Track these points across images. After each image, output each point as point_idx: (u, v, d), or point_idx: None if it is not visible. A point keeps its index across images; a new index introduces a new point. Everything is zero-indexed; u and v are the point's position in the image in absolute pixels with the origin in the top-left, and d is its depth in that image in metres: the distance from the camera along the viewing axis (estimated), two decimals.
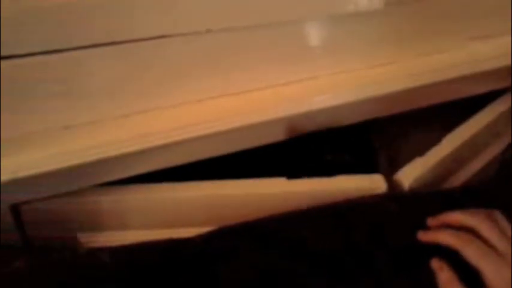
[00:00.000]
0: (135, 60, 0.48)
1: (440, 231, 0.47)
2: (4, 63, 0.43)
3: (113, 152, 0.48)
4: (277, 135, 0.57)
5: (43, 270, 0.46)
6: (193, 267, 0.47)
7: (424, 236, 0.48)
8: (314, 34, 0.55)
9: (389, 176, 0.57)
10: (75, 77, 0.47)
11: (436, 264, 0.46)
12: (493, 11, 0.64)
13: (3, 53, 0.43)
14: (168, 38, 0.48)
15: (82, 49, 0.46)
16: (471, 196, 0.57)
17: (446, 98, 0.64)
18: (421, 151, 0.59)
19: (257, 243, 0.49)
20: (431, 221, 0.50)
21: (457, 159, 0.62)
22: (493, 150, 0.67)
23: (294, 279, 0.47)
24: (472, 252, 0.44)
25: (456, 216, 0.48)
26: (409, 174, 0.57)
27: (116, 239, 0.52)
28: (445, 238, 0.46)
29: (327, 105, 0.56)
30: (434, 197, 0.56)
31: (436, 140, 0.61)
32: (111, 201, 0.51)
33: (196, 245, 0.49)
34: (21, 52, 0.43)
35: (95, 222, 0.52)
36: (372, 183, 0.55)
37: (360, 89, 0.58)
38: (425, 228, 0.50)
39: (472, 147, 0.63)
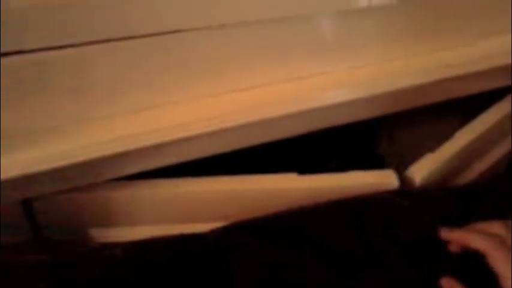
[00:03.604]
0: (147, 56, 0.48)
1: (467, 233, 0.46)
2: (11, 58, 0.43)
3: (124, 147, 0.48)
4: (290, 130, 0.56)
5: (55, 265, 0.46)
6: (205, 262, 0.47)
7: (448, 235, 0.47)
8: (327, 29, 0.55)
9: (400, 172, 0.56)
10: (85, 72, 0.47)
11: (446, 284, 0.45)
12: (504, 8, 0.64)
13: (9, 49, 0.42)
14: (181, 33, 0.48)
15: (93, 44, 0.45)
16: (482, 193, 0.57)
17: (458, 94, 0.63)
18: (432, 147, 0.59)
19: (269, 239, 0.49)
20: (445, 235, 0.48)
21: (468, 156, 0.62)
22: (504, 147, 0.66)
23: (306, 275, 0.47)
24: (500, 258, 0.44)
25: (472, 241, 0.46)
26: (421, 170, 0.56)
27: (127, 234, 0.51)
28: (474, 240, 0.45)
29: (339, 100, 0.56)
30: (446, 194, 0.56)
31: (448, 136, 0.61)
32: (123, 196, 0.51)
33: (208, 240, 0.49)
34: (28, 48, 0.43)
35: (107, 217, 0.52)
36: (384, 179, 0.55)
37: (370, 84, 0.58)
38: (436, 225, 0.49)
39: (483, 144, 0.63)
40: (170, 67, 0.50)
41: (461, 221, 0.50)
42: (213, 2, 0.47)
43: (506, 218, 0.51)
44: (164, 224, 0.53)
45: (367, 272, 0.47)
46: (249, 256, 0.47)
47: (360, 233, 0.50)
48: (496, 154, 0.66)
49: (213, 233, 0.49)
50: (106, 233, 0.52)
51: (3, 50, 0.42)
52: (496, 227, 0.47)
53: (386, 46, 0.61)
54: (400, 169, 0.57)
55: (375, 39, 0.59)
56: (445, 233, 0.48)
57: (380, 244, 0.49)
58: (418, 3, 0.58)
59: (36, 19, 0.42)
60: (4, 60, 0.42)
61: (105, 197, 0.50)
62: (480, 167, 0.64)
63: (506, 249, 0.44)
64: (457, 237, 0.47)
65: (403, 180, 0.56)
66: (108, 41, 0.46)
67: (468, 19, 0.63)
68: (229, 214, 0.52)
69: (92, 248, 0.49)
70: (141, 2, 0.45)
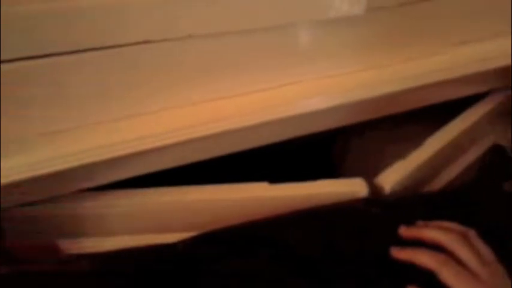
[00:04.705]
0: (120, 66, 0.48)
1: (415, 251, 0.47)
2: None
3: (95, 157, 0.48)
4: (264, 139, 0.57)
5: (23, 277, 0.46)
6: (175, 273, 0.47)
7: (398, 254, 0.48)
8: (299, 39, 0.55)
9: (370, 180, 0.57)
10: (61, 82, 0.47)
11: None
12: (476, 17, 0.65)
13: None
14: (152, 44, 0.48)
15: (68, 54, 0.45)
16: (451, 199, 0.57)
17: (430, 101, 0.64)
18: (402, 154, 0.60)
19: (240, 249, 0.49)
20: (405, 232, 0.50)
21: (438, 163, 0.63)
22: (473, 154, 0.67)
23: (277, 285, 0.47)
24: (448, 275, 0.44)
25: (430, 234, 0.48)
26: (390, 178, 0.57)
27: (97, 245, 0.51)
28: (421, 259, 0.46)
29: (314, 109, 0.57)
30: (415, 201, 0.57)
31: (418, 143, 0.61)
32: (92, 207, 0.50)
33: (178, 250, 0.49)
34: (6, 58, 0.43)
35: (76, 229, 0.51)
36: (353, 187, 0.56)
37: (345, 92, 0.58)
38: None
39: (452, 151, 0.64)
40: (141, 77, 0.50)
41: None
42: (181, 12, 0.47)
43: (477, 225, 0.52)
44: (134, 234, 0.53)
45: (338, 282, 0.48)
46: (219, 267, 0.47)
47: (329, 242, 0.50)
48: (466, 161, 0.67)
49: (183, 243, 0.49)
50: (75, 244, 0.51)
51: None
52: (444, 238, 0.47)
53: (360, 55, 0.61)
54: (370, 177, 0.58)
55: (349, 49, 0.60)
56: (395, 252, 0.48)
57: (349, 253, 0.50)
58: (386, 14, 0.58)
59: (11, 30, 0.42)
60: None
61: (74, 207, 0.50)
62: (450, 173, 0.65)
63: (455, 264, 0.45)
64: (405, 257, 0.47)
65: (373, 188, 0.56)
66: (80, 51, 0.46)
67: (439, 28, 0.64)
68: (199, 224, 0.52)
69: (60, 260, 0.49)
70: (110, 13, 0.44)
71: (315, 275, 0.48)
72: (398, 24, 0.60)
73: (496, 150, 0.68)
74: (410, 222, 0.51)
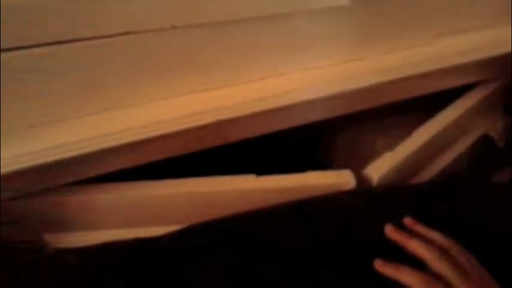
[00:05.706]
0: (100, 58, 0.48)
1: (399, 269, 0.46)
2: None
3: (78, 151, 0.48)
4: (248, 132, 0.56)
5: (9, 271, 0.45)
6: (160, 266, 0.47)
7: (383, 268, 0.47)
8: (283, 30, 0.55)
9: (358, 171, 0.57)
10: (38, 75, 0.47)
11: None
12: (458, 9, 0.65)
13: None
14: (134, 35, 0.47)
15: (45, 46, 0.45)
16: (440, 191, 0.57)
17: (418, 92, 0.64)
18: (390, 146, 0.60)
19: (225, 242, 0.49)
20: (391, 233, 0.49)
21: (426, 154, 0.63)
22: (463, 145, 0.67)
23: (262, 278, 0.47)
24: None
25: (413, 247, 0.48)
26: (378, 169, 0.57)
27: (83, 239, 0.51)
28: (405, 278, 0.45)
29: (300, 100, 0.56)
30: (403, 193, 0.57)
31: (407, 135, 0.61)
32: (78, 201, 0.50)
33: (163, 244, 0.49)
34: None
35: (62, 223, 0.51)
36: (341, 179, 0.55)
37: (332, 84, 0.58)
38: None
39: (440, 142, 0.64)
40: (121, 71, 0.50)
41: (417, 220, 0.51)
42: (164, 3, 0.47)
43: (465, 217, 0.52)
44: (120, 228, 0.53)
45: (323, 274, 0.48)
46: (204, 260, 0.47)
47: (315, 234, 0.50)
48: (455, 152, 0.66)
49: (169, 236, 0.49)
50: (61, 238, 0.51)
51: None
52: (424, 253, 0.47)
53: (346, 46, 0.61)
54: (359, 169, 0.57)
55: (332, 40, 0.60)
56: (379, 266, 0.47)
57: (336, 245, 0.49)
58: (373, 5, 0.58)
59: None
60: None
61: (60, 201, 0.50)
62: (438, 165, 0.65)
63: (438, 286, 0.44)
64: (389, 272, 0.47)
65: (361, 179, 0.56)
66: (59, 43, 0.45)
67: (423, 20, 0.64)
68: (187, 217, 0.52)
69: (47, 254, 0.49)
70: (90, 3, 0.44)
71: (300, 268, 0.48)
72: (383, 16, 0.60)
73: (485, 142, 0.68)
74: (397, 215, 0.51)
